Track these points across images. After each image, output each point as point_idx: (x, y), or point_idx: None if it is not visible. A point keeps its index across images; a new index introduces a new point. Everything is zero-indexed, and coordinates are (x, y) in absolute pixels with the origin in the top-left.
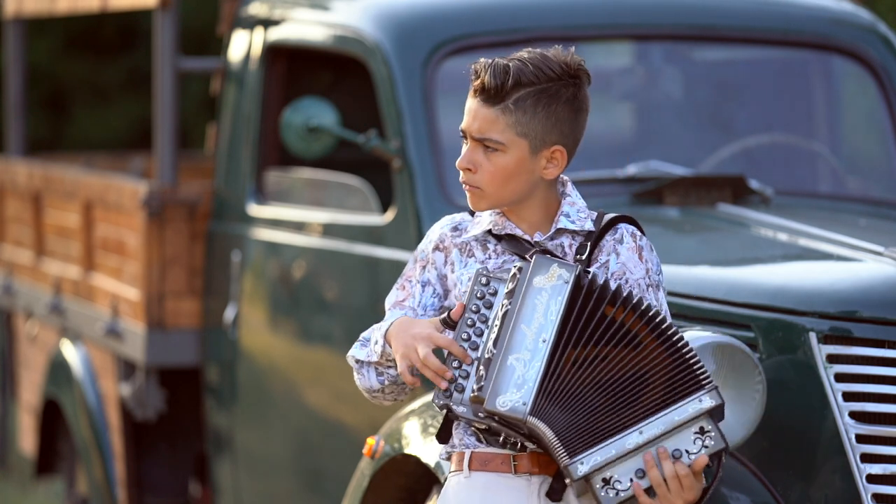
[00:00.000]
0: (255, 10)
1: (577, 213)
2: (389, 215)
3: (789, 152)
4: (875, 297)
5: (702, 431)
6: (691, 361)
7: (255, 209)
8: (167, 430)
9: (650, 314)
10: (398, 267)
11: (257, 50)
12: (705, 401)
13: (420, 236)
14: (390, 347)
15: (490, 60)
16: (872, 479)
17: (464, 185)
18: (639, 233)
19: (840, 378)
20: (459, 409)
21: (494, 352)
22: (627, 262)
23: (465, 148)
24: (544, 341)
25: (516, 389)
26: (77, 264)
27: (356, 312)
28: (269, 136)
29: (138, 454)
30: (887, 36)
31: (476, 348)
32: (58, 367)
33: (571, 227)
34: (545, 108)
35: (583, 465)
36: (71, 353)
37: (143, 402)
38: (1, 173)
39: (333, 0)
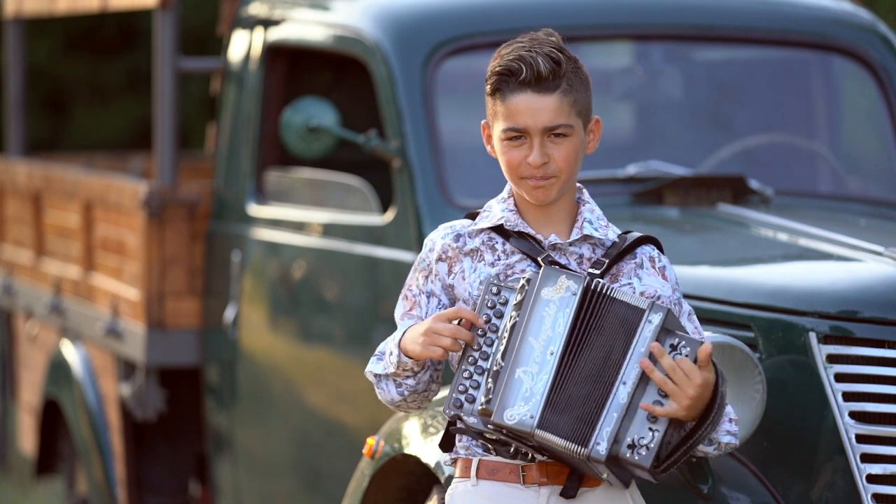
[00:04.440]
0: (255, 10)
1: (597, 219)
2: (389, 215)
3: (789, 152)
4: (875, 297)
5: (673, 347)
6: (630, 302)
7: (255, 209)
8: (167, 430)
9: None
10: (398, 267)
11: (257, 50)
12: (654, 318)
13: (420, 236)
14: (406, 357)
15: (516, 52)
16: (872, 479)
17: (530, 181)
18: (657, 254)
19: (840, 378)
20: (470, 420)
21: (503, 364)
22: (653, 283)
23: (513, 147)
24: (552, 354)
25: (524, 402)
26: (77, 264)
27: (356, 312)
28: (269, 136)
29: (138, 454)
30: (887, 36)
31: (486, 358)
32: (58, 367)
33: (596, 234)
34: (584, 78)
35: (599, 444)
36: (71, 353)
37: (143, 402)
38: (1, 173)
39: (333, 0)
